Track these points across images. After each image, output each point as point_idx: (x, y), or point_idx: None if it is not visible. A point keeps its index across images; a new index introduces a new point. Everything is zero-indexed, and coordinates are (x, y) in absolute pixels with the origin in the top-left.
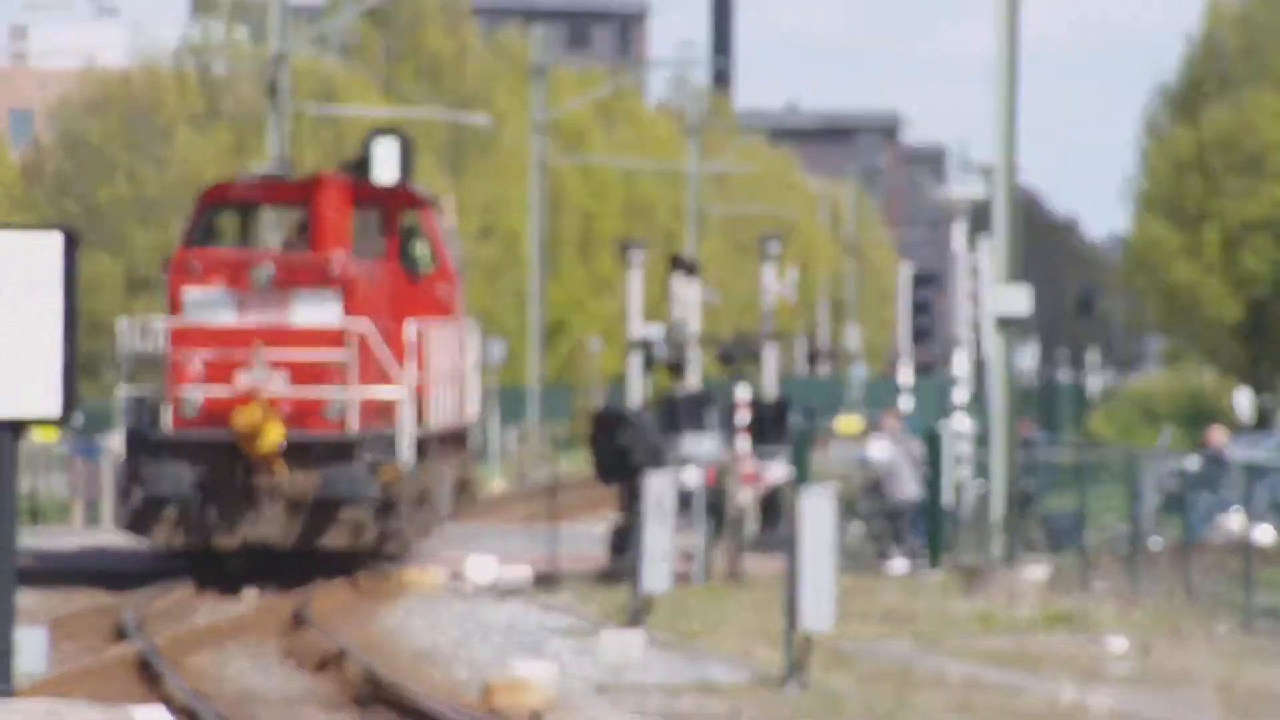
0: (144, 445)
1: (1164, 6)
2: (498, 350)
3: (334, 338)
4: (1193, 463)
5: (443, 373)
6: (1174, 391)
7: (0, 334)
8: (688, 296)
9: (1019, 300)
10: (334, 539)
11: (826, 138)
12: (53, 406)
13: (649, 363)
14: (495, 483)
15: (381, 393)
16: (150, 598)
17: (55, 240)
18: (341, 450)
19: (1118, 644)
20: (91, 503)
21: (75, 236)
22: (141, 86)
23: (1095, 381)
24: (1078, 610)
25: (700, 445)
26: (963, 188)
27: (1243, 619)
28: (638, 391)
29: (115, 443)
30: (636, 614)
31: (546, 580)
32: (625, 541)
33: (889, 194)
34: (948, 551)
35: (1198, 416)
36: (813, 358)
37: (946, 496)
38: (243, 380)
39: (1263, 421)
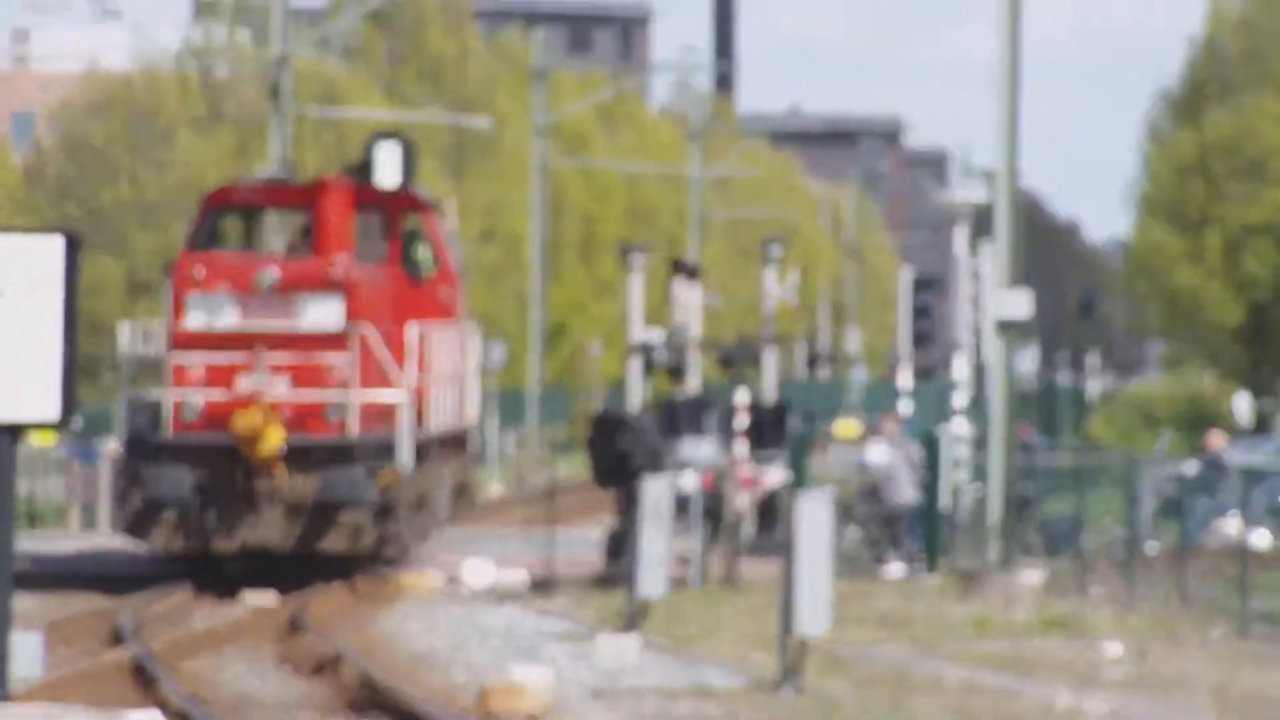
0: (144, 449)
1: (1166, 11)
2: (498, 353)
3: (336, 342)
4: (1191, 467)
5: (443, 376)
6: (1174, 396)
7: (0, 337)
8: (689, 300)
9: (1020, 305)
10: (333, 542)
11: (828, 142)
12: (52, 410)
13: (649, 367)
14: (493, 486)
15: (382, 396)
16: (147, 602)
17: (56, 243)
18: (341, 454)
19: (1113, 649)
20: (88, 506)
21: (77, 239)
22: (143, 89)
23: (1095, 385)
24: (1074, 615)
25: (698, 449)
26: (964, 192)
27: (1238, 624)
28: (637, 395)
29: (113, 446)
30: (632, 619)
31: (543, 585)
32: (621, 546)
33: (891, 198)
34: (945, 555)
35: (1197, 421)
36: (813, 361)
37: (944, 500)
38: (244, 384)
39: (1262, 426)
